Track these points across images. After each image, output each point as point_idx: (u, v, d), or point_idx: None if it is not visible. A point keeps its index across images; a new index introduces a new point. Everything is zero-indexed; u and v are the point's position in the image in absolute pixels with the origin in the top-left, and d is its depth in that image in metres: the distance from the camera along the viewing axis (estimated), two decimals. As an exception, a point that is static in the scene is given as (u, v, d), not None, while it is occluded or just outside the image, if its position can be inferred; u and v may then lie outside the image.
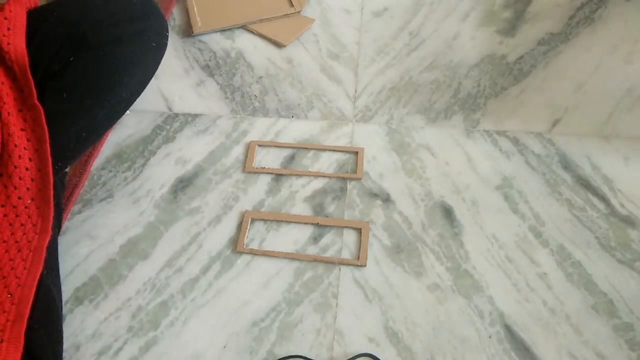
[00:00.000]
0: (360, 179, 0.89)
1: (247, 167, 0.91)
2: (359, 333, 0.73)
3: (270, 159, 0.93)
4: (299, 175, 0.90)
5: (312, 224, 0.83)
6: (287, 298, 0.77)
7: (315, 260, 0.79)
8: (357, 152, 0.93)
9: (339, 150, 0.94)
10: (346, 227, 0.83)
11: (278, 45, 1.12)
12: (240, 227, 0.84)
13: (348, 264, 0.79)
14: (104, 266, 0.81)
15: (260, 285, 0.78)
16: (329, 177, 0.90)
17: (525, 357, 0.70)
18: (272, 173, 0.91)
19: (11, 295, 0.61)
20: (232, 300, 0.77)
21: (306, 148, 0.94)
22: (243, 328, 0.74)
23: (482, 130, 0.95)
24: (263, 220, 0.84)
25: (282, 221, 0.84)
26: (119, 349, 0.73)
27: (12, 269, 0.64)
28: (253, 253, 0.81)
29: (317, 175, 0.90)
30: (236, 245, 0.82)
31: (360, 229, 0.82)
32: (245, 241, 0.82)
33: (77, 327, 0.74)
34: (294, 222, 0.84)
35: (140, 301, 0.77)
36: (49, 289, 0.69)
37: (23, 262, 0.65)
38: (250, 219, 0.84)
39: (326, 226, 0.83)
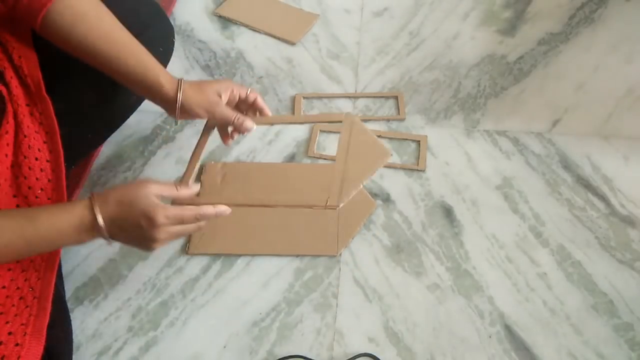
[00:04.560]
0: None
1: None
2: (359, 333, 0.73)
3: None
4: None
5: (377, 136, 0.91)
6: (287, 298, 0.76)
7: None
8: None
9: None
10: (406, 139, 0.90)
11: (287, 42, 1.12)
12: None
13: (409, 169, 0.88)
14: (104, 266, 0.81)
15: (260, 285, 0.78)
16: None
17: (525, 357, 0.70)
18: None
19: (32, 289, 0.61)
20: (232, 300, 0.77)
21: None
22: (243, 328, 0.74)
23: (482, 130, 0.95)
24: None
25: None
26: (119, 349, 0.72)
27: (31, 261, 0.64)
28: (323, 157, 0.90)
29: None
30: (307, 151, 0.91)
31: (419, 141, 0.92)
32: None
33: (77, 327, 0.74)
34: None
35: (140, 301, 0.77)
36: (58, 289, 0.69)
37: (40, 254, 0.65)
38: (319, 130, 0.92)
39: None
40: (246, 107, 0.79)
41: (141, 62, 0.71)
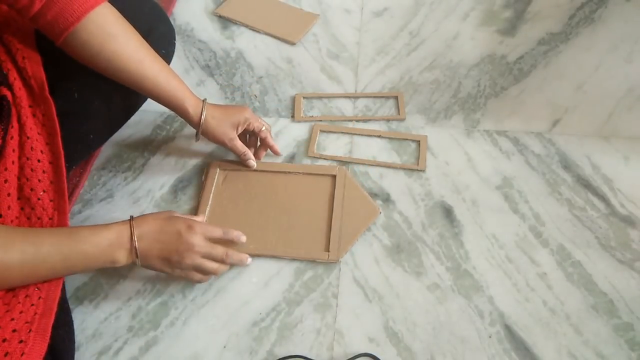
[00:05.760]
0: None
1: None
2: (359, 333, 0.73)
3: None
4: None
5: (376, 136, 0.94)
6: (287, 298, 0.77)
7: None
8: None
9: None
10: (406, 139, 0.92)
11: (287, 42, 1.12)
12: None
13: (409, 169, 0.89)
14: (104, 266, 0.81)
15: (260, 285, 0.78)
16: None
17: (525, 357, 0.70)
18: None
19: (39, 289, 0.62)
20: (232, 300, 0.77)
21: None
22: (243, 328, 0.74)
23: (482, 130, 0.95)
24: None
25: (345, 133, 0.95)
26: (119, 349, 0.73)
27: None
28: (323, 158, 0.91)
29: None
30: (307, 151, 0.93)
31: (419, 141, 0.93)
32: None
33: (77, 327, 0.74)
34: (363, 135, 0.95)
35: (140, 301, 0.77)
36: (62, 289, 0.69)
37: None
38: (319, 130, 0.95)
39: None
40: (257, 140, 0.88)
41: (169, 83, 0.77)
